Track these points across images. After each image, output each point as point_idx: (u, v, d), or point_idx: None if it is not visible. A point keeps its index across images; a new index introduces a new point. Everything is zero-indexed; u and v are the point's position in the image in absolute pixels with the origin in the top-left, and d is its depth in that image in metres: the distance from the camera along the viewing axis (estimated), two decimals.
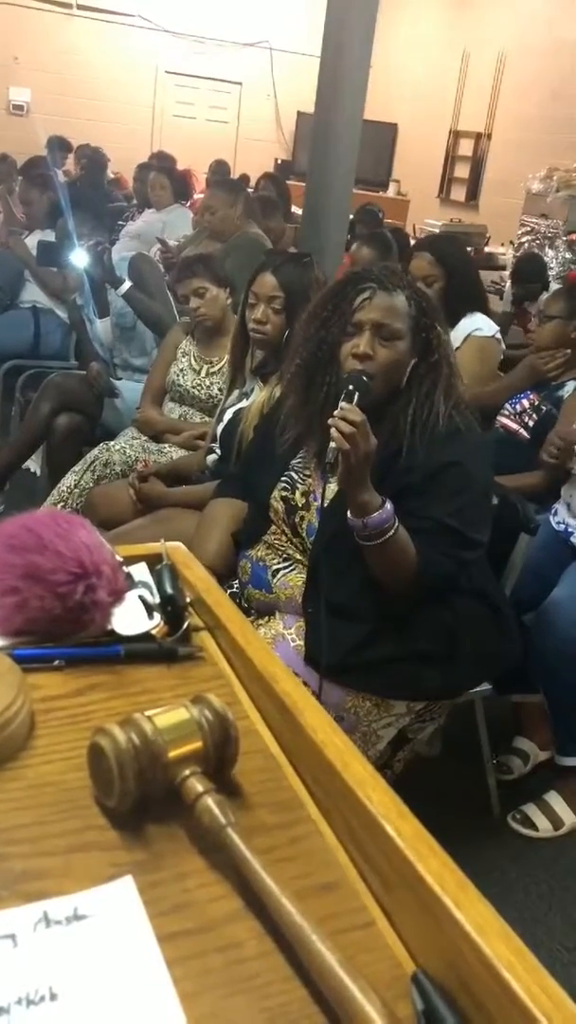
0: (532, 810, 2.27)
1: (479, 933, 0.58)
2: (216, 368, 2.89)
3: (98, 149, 7.96)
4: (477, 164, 9.05)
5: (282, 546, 1.89)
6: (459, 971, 0.59)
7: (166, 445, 2.88)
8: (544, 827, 2.25)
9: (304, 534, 1.84)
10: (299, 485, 1.87)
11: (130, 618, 0.95)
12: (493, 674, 2.07)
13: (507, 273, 5.81)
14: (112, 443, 2.89)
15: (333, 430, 1.50)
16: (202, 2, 9.81)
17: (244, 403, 2.44)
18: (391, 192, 10.04)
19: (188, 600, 1.01)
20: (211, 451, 2.57)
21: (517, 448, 2.76)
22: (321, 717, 0.81)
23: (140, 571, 1.04)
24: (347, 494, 1.59)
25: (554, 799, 2.28)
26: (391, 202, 9.46)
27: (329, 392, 1.71)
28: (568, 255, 6.00)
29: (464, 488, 1.67)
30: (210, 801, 0.69)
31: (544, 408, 2.77)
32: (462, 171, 9.29)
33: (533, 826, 2.25)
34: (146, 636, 0.95)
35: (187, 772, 0.71)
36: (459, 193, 9.29)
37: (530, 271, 5.09)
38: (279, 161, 10.33)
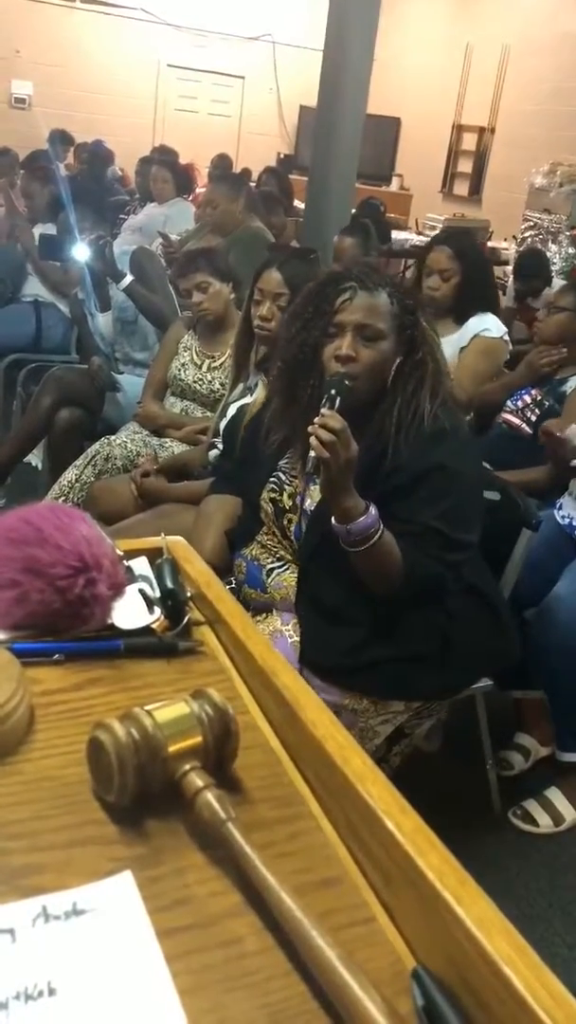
0: (533, 806, 2.27)
1: (480, 929, 0.58)
2: (218, 363, 2.89)
3: (102, 143, 7.94)
4: (480, 159, 9.03)
5: (275, 546, 1.88)
6: (460, 967, 0.59)
7: (167, 440, 2.87)
8: (545, 823, 2.25)
9: (292, 536, 1.83)
10: (286, 487, 1.85)
11: (130, 612, 0.95)
12: (489, 671, 2.06)
13: (510, 268, 5.80)
14: (113, 437, 2.89)
15: (312, 439, 1.48)
16: None
17: (248, 399, 2.43)
18: (394, 186, 10.02)
19: (189, 594, 1.00)
20: (213, 446, 2.57)
21: (520, 443, 2.75)
22: (321, 712, 0.81)
23: (140, 565, 1.04)
24: (329, 501, 1.58)
25: (555, 795, 2.28)
26: (393, 196, 9.45)
27: (312, 395, 1.68)
28: (571, 250, 5.99)
29: (450, 490, 1.64)
30: (210, 796, 0.69)
31: (547, 403, 2.77)
32: (465, 166, 9.27)
33: (534, 822, 2.25)
34: (146, 630, 0.94)
35: (187, 767, 0.71)
36: (462, 188, 9.27)
37: (532, 267, 5.08)
38: (281, 155, 10.31)
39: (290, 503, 1.83)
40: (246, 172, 7.23)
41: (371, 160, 8.41)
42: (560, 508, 2.45)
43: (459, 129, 9.30)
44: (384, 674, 1.69)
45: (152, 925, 0.62)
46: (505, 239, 7.26)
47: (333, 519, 1.57)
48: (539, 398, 2.80)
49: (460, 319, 3.02)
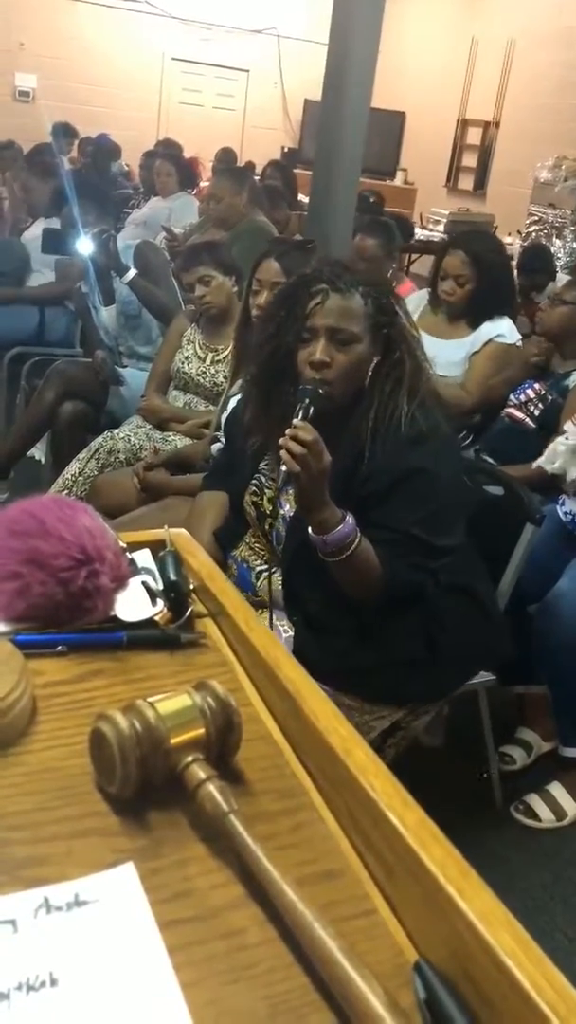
0: (535, 800, 2.27)
1: (483, 922, 0.58)
2: (221, 356, 2.88)
3: (107, 136, 7.93)
4: (485, 153, 9.01)
5: (261, 549, 1.86)
6: (462, 960, 0.59)
7: (171, 433, 2.87)
8: (547, 817, 2.25)
9: (274, 542, 1.80)
10: (267, 490, 1.82)
11: (133, 604, 0.95)
12: (482, 668, 2.04)
13: (514, 263, 5.78)
14: (117, 431, 2.88)
15: (283, 452, 1.44)
16: None
17: None
18: (398, 181, 10.01)
19: (191, 587, 1.00)
20: (216, 440, 2.56)
21: (523, 437, 2.74)
22: (324, 704, 0.81)
23: (143, 557, 1.04)
24: (304, 513, 1.55)
25: (557, 789, 2.28)
26: (398, 191, 9.44)
27: (287, 400, 1.63)
28: None
29: (428, 495, 1.60)
30: (212, 788, 0.69)
31: (550, 397, 2.76)
32: (470, 160, 9.25)
33: (536, 816, 2.25)
34: (149, 622, 0.94)
35: (189, 759, 0.71)
36: (467, 182, 9.25)
37: (536, 262, 5.07)
38: (286, 149, 10.30)
39: (270, 507, 1.81)
40: (250, 166, 7.22)
41: (376, 154, 8.40)
42: (562, 504, 2.44)
43: (464, 123, 9.29)
44: (372, 680, 1.67)
45: (154, 916, 0.62)
46: (510, 234, 7.24)
47: (309, 529, 1.54)
48: (543, 392, 2.79)
49: (474, 323, 3.00)
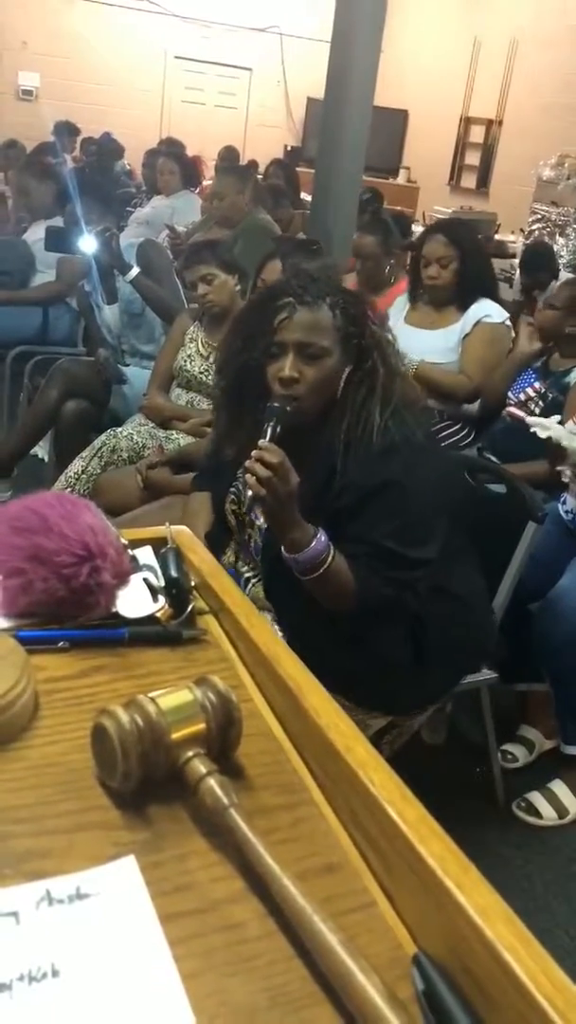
0: (537, 798, 2.27)
1: (481, 916, 0.58)
2: None
3: (111, 136, 7.93)
4: (488, 151, 9.00)
5: (246, 556, 1.86)
6: (461, 954, 0.59)
7: (173, 432, 2.87)
8: (549, 815, 2.25)
9: (253, 551, 1.79)
10: (244, 500, 1.79)
11: (135, 601, 0.96)
12: (472, 668, 2.02)
13: (517, 261, 5.78)
14: (120, 429, 2.89)
15: (249, 476, 1.43)
16: None
17: None
18: (401, 179, 9.99)
19: (193, 583, 1.01)
20: None
21: (524, 436, 2.74)
22: (324, 700, 0.81)
23: (145, 554, 1.04)
24: (275, 533, 1.53)
25: (559, 787, 2.28)
26: (401, 189, 9.43)
27: (258, 416, 1.61)
28: None
29: (402, 507, 1.56)
30: (213, 782, 0.69)
31: (551, 395, 2.76)
32: (472, 158, 9.24)
33: (538, 814, 2.25)
34: (150, 619, 0.95)
35: (190, 753, 0.71)
36: (469, 180, 9.24)
37: (538, 260, 5.06)
38: (288, 147, 10.29)
39: (247, 517, 1.79)
40: (253, 164, 7.22)
41: (378, 153, 8.37)
42: (564, 502, 2.44)
43: (467, 122, 9.27)
44: (360, 688, 1.63)
45: (155, 909, 0.62)
46: (512, 232, 7.24)
47: (282, 548, 1.52)
48: (543, 390, 2.79)
49: (462, 307, 3.03)
